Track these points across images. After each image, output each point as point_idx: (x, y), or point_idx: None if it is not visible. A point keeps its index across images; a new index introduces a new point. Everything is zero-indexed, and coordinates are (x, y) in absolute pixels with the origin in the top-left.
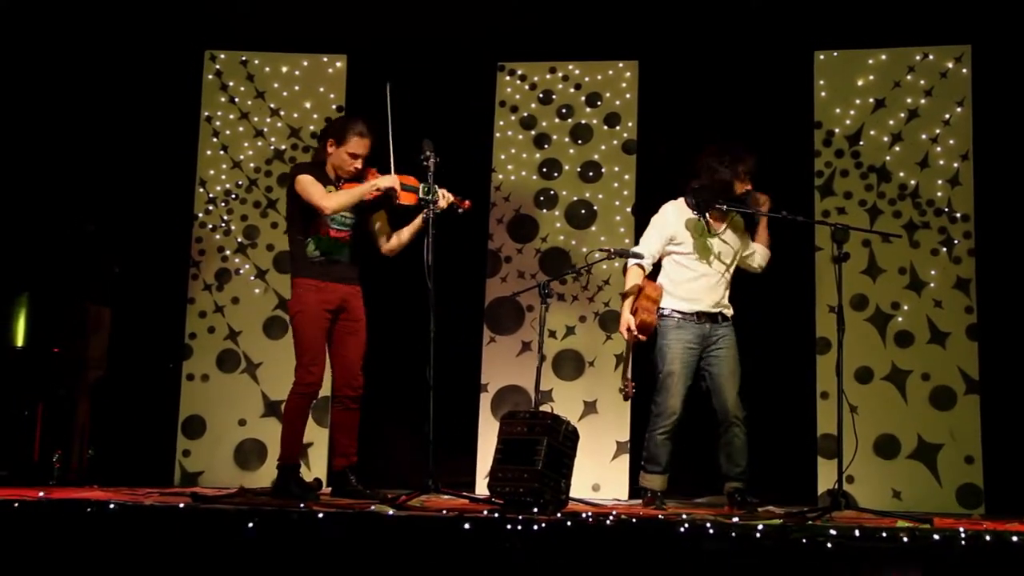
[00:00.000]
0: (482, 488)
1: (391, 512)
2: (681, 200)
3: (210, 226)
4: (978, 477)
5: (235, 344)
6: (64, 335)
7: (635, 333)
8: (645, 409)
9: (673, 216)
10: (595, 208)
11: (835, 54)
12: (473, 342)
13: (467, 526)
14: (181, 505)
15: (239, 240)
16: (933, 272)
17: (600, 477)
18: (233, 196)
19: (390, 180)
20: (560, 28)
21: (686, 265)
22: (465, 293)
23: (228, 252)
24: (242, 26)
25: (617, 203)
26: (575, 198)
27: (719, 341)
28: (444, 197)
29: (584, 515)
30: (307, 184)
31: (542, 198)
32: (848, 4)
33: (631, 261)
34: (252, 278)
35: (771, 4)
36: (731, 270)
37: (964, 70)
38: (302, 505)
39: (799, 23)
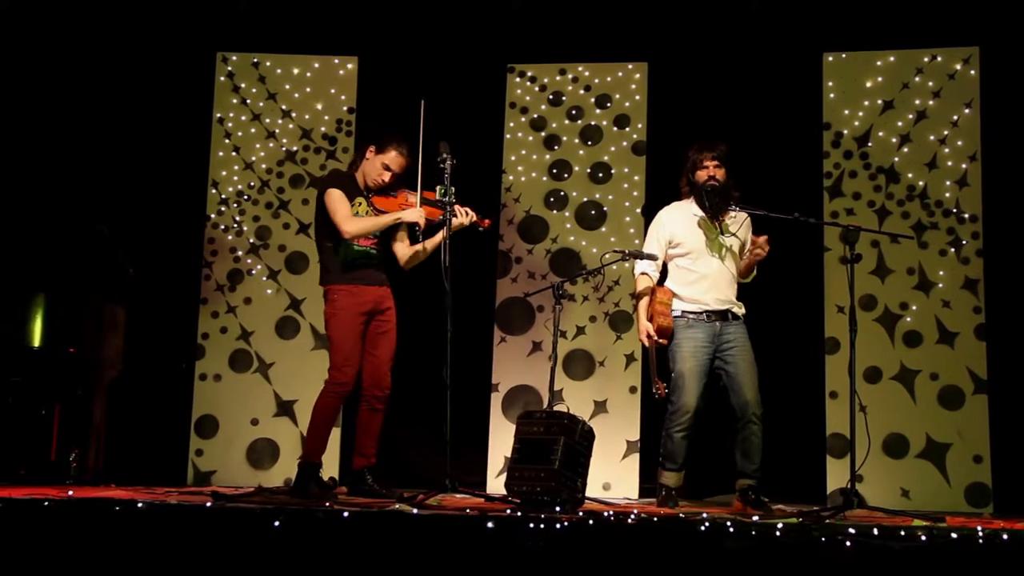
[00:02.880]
0: (493, 487)
1: (415, 511)
2: (675, 204)
3: (222, 227)
4: (986, 476)
5: (247, 344)
6: (80, 335)
7: (655, 339)
8: (655, 408)
9: (668, 220)
10: (605, 209)
11: (843, 56)
12: (484, 342)
13: (490, 525)
14: (208, 504)
15: (251, 241)
16: (941, 272)
17: (610, 476)
18: (245, 197)
19: (415, 215)
20: (569, 30)
21: (686, 267)
22: (476, 294)
23: (240, 253)
24: (253, 28)
25: (627, 204)
26: (585, 199)
27: (731, 339)
28: (467, 215)
29: (606, 514)
30: (334, 201)
31: (552, 199)
32: (856, 6)
33: (637, 271)
34: (264, 279)
35: (779, 6)
36: (736, 271)
37: (972, 72)
38: (327, 504)
39: (807, 25)
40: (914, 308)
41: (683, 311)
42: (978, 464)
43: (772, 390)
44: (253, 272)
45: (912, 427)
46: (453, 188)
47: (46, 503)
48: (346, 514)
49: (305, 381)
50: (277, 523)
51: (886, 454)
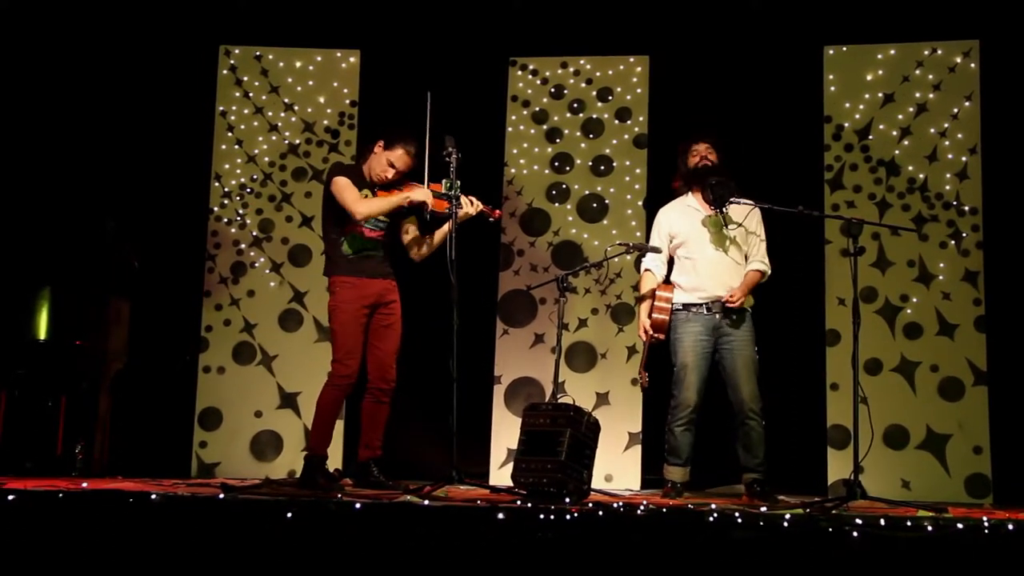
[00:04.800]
0: (496, 478)
1: (426, 502)
2: (673, 202)
3: (225, 220)
4: (986, 467)
5: (251, 336)
6: (86, 328)
7: (651, 333)
8: (657, 400)
9: (664, 216)
10: (607, 202)
11: (844, 49)
12: (486, 334)
13: (501, 516)
14: (221, 496)
15: (254, 233)
16: (942, 265)
17: (612, 468)
18: (248, 190)
19: (423, 195)
20: (571, 23)
21: (686, 257)
22: (478, 286)
23: (243, 245)
24: (256, 21)
25: (628, 197)
26: (587, 192)
27: (731, 332)
28: (473, 204)
29: (615, 505)
30: (342, 187)
31: (554, 192)
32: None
33: (642, 267)
34: (267, 271)
35: (778, 1)
36: (741, 259)
37: (972, 65)
38: (338, 496)
39: (808, 18)
40: (914, 300)
41: (684, 303)
42: (978, 455)
43: (773, 382)
44: (256, 265)
45: (912, 418)
46: (459, 182)
47: (60, 495)
48: (358, 505)
49: (308, 373)
50: (289, 514)
51: (886, 445)
